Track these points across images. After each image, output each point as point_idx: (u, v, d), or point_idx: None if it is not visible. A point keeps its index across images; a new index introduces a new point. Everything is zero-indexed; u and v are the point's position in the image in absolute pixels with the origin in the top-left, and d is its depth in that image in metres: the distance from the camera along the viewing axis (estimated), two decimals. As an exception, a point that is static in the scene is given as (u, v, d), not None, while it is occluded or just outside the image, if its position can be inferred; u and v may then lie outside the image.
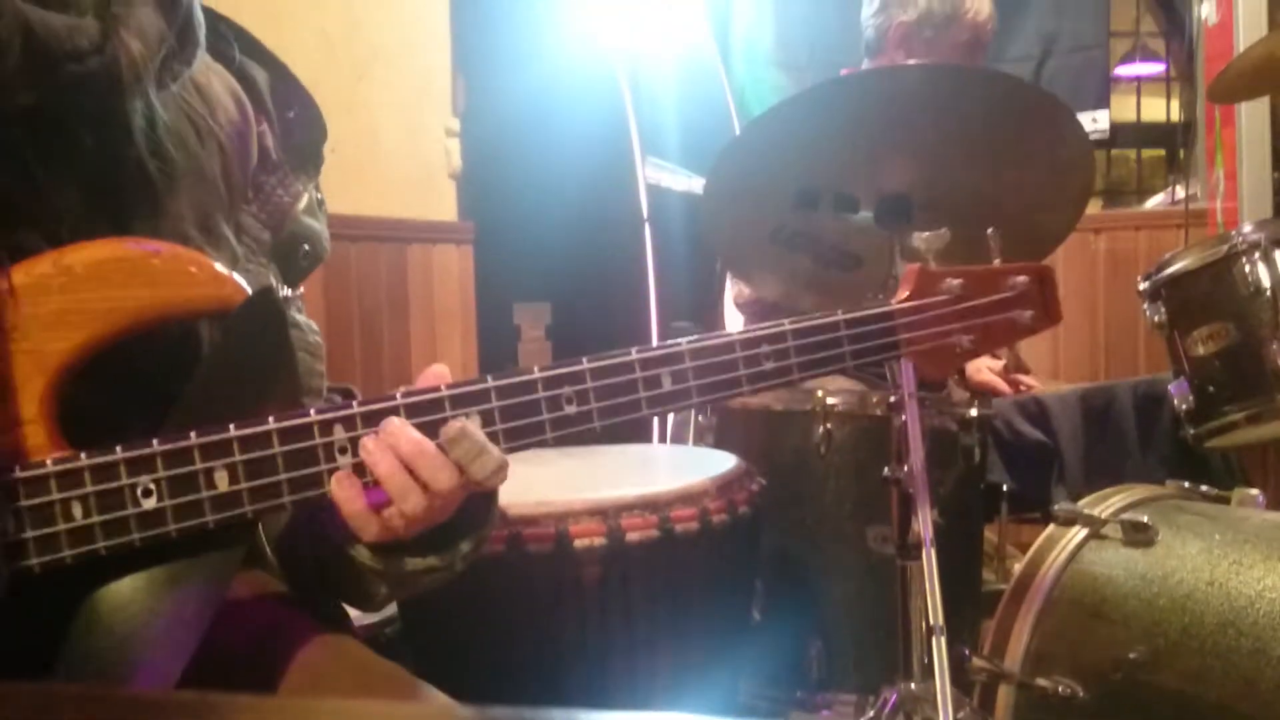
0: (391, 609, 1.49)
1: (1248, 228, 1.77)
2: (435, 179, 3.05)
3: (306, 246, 1.08)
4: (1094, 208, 4.20)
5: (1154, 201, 4.90)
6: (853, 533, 1.77)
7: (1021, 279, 1.22)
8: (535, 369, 0.94)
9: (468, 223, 3.09)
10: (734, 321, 2.74)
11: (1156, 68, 6.89)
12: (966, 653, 1.61)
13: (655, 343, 1.01)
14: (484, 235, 3.08)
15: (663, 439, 3.04)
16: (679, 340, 1.02)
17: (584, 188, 3.01)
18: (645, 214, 3.07)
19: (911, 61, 2.46)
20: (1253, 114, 2.78)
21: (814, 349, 1.08)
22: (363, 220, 2.68)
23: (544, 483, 1.41)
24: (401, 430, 0.86)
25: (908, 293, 1.15)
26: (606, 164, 3.11)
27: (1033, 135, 1.54)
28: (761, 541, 1.75)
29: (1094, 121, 3.66)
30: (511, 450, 0.91)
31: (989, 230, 1.30)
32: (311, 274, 2.29)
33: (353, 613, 1.29)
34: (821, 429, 1.78)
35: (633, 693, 1.32)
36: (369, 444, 0.85)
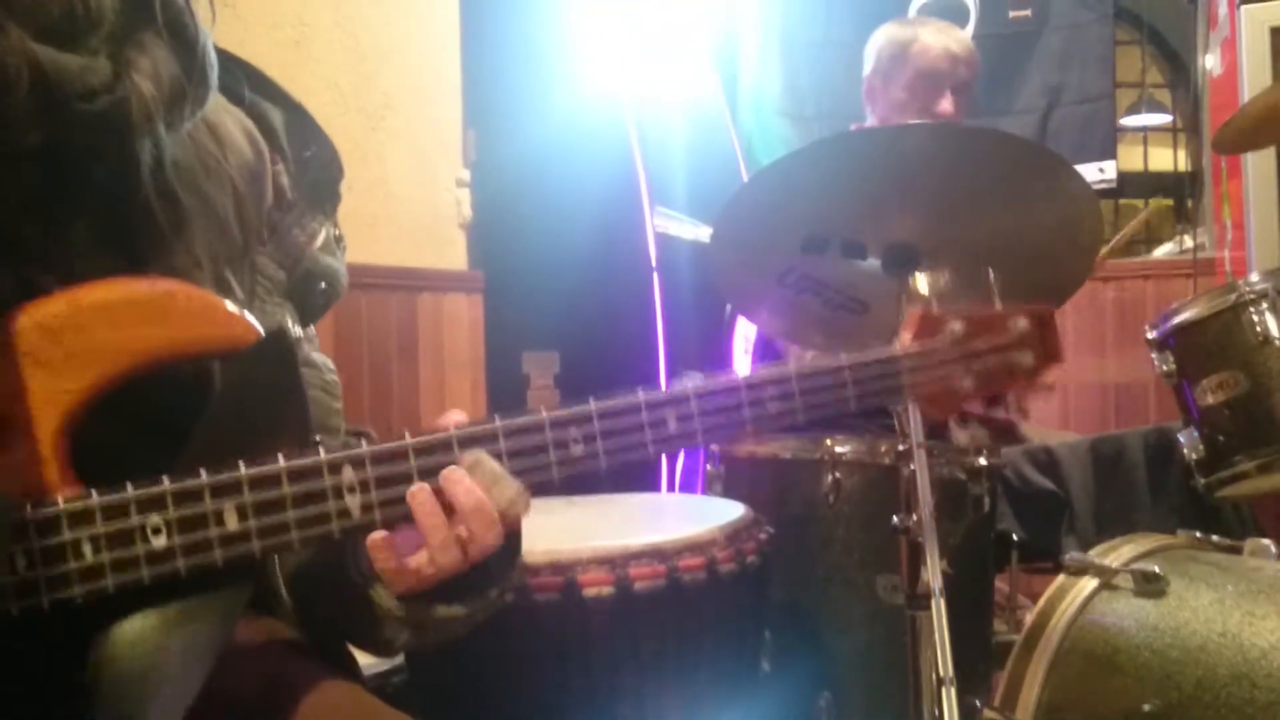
0: (399, 658, 1.48)
1: (1255, 277, 1.78)
2: (446, 228, 3.07)
3: (323, 284, 1.09)
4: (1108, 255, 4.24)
5: (1162, 251, 4.92)
6: (862, 582, 1.76)
7: (1022, 321, 1.22)
8: (543, 410, 0.95)
9: (477, 272, 3.11)
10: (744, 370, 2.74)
11: (1163, 118, 6.95)
12: (978, 704, 1.59)
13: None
14: (493, 284, 3.10)
15: (672, 487, 3.04)
16: (685, 383, 1.02)
17: (593, 237, 3.03)
18: (654, 263, 3.08)
19: (874, 119, 2.50)
20: (1260, 164, 2.79)
21: (818, 392, 1.08)
22: (373, 269, 2.70)
23: (551, 532, 1.41)
24: (462, 479, 0.87)
25: (910, 336, 1.16)
26: (615, 214, 3.14)
27: (1038, 190, 1.55)
28: (770, 591, 1.75)
29: (1100, 171, 3.68)
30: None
31: (989, 272, 1.30)
32: (322, 322, 2.31)
33: (363, 658, 1.28)
34: (830, 477, 1.78)
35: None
36: (421, 496, 0.86)
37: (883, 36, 2.54)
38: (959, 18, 3.82)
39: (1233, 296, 1.77)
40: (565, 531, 1.44)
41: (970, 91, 2.52)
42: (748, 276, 1.73)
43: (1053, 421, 3.66)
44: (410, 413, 2.79)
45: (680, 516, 1.52)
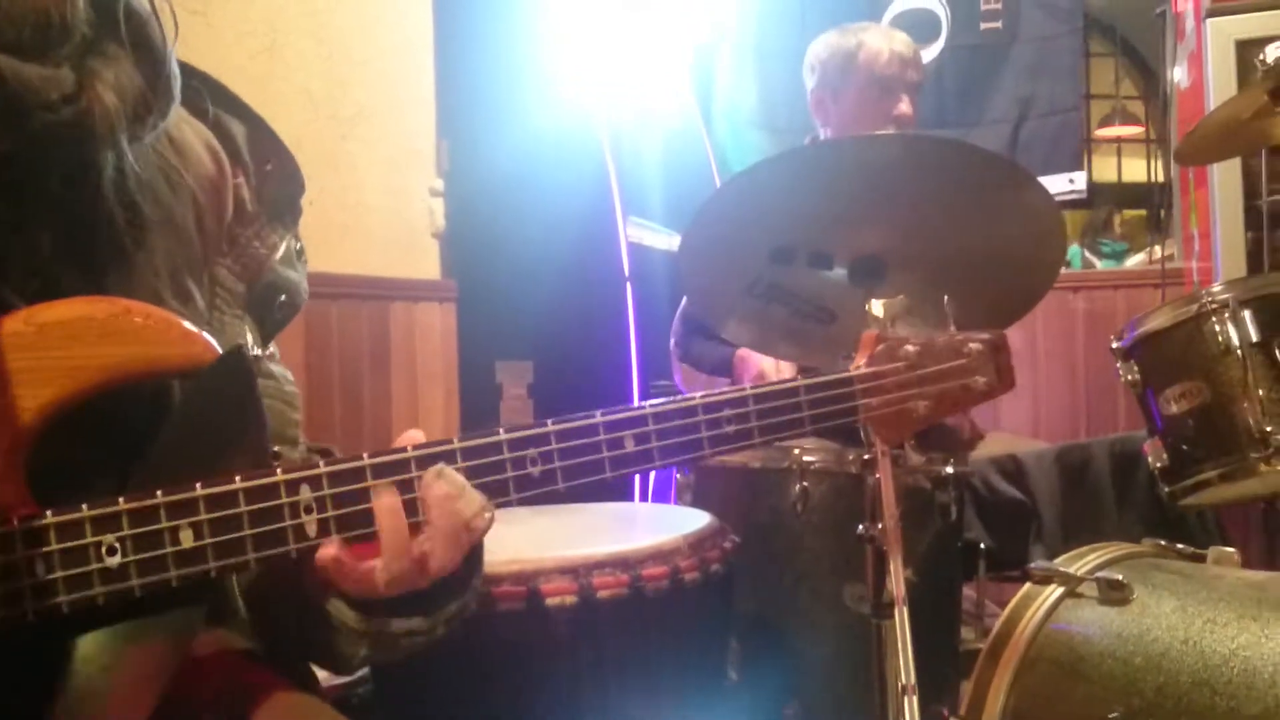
0: (363, 670, 1.48)
1: (1217, 287, 1.80)
2: (419, 238, 3.07)
3: (283, 297, 1.08)
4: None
5: (1134, 260, 4.96)
6: (829, 591, 1.76)
7: (976, 346, 1.24)
8: (500, 431, 0.95)
9: (450, 281, 3.11)
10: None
11: (1137, 130, 7.01)
12: (945, 712, 1.60)
13: (636, 400, 1.02)
14: (467, 293, 3.11)
15: (645, 496, 3.04)
16: (642, 404, 1.03)
17: (566, 247, 3.04)
18: (627, 272, 3.09)
19: (826, 130, 2.51)
20: (1225, 175, 2.82)
21: (774, 413, 1.09)
22: (345, 278, 2.70)
23: (515, 541, 1.41)
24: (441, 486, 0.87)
25: (865, 359, 1.17)
26: (589, 223, 3.15)
27: (1003, 202, 1.57)
28: (738, 599, 1.75)
29: (1070, 182, 3.71)
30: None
31: (944, 298, 1.32)
32: (292, 331, 2.30)
33: (322, 674, 1.28)
34: (798, 487, 1.78)
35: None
36: (384, 502, 0.86)
37: (824, 48, 2.54)
38: (931, 30, 3.85)
39: (1194, 307, 1.79)
40: (529, 541, 1.44)
41: (920, 91, 2.53)
42: (716, 286, 1.74)
43: (1024, 430, 3.69)
44: (382, 422, 2.79)
45: (645, 526, 1.52)
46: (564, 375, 3.03)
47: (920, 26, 3.84)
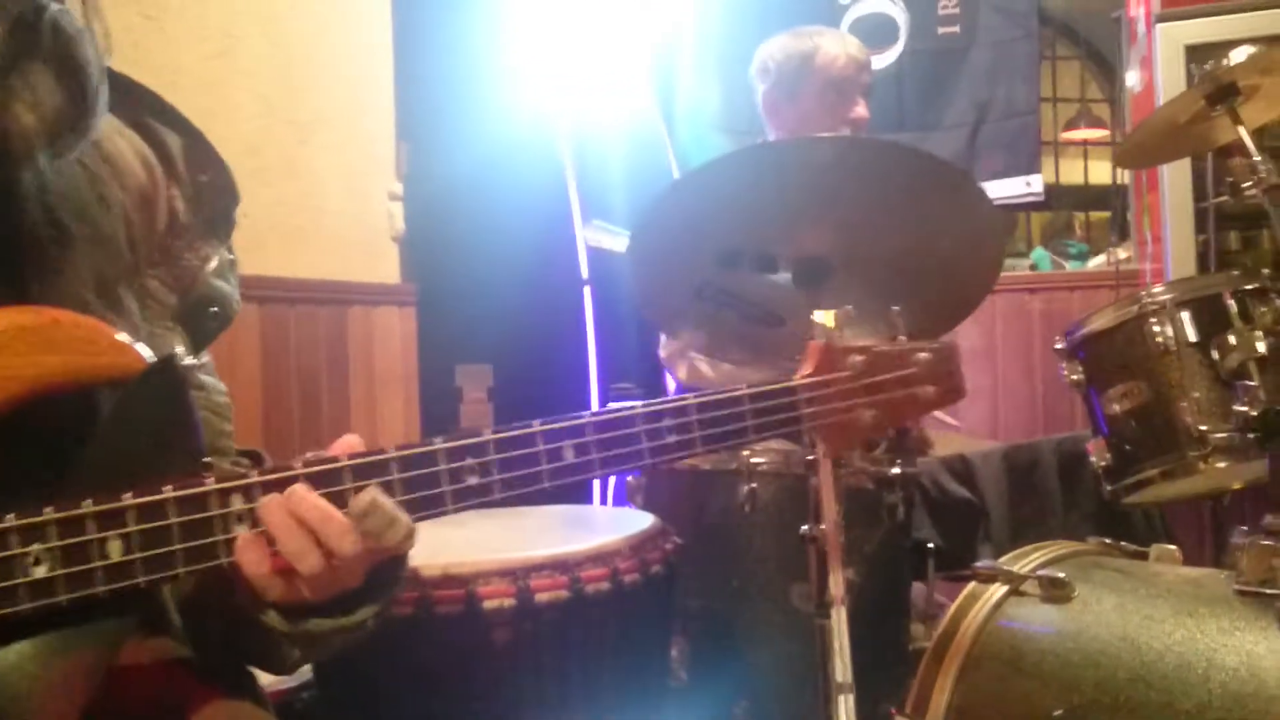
0: (307, 675, 1.49)
1: (1157, 288, 1.83)
2: (378, 242, 3.07)
3: (215, 308, 1.08)
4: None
5: (1095, 262, 5.01)
6: (777, 591, 1.78)
7: (924, 355, 1.24)
8: (438, 440, 0.96)
9: (410, 285, 3.11)
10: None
11: (1102, 133, 7.08)
12: (893, 711, 1.62)
13: (596, 404, 1.03)
14: (426, 297, 3.11)
15: (604, 499, 3.06)
16: (582, 413, 1.04)
17: (526, 250, 3.04)
18: (585, 276, 3.10)
19: (779, 132, 2.52)
20: (1175, 177, 2.86)
21: (717, 422, 1.09)
22: (302, 282, 2.69)
23: (456, 544, 1.42)
24: (305, 497, 0.87)
25: (811, 368, 1.18)
26: (548, 227, 3.16)
27: (944, 205, 1.59)
28: (688, 600, 1.77)
29: (1028, 185, 3.75)
30: (414, 521, 0.93)
31: (893, 309, 1.34)
32: (248, 336, 2.30)
33: (268, 679, 1.28)
34: (746, 488, 1.80)
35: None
36: (267, 503, 0.86)
37: (779, 51, 2.55)
38: (889, 34, 3.88)
39: (1135, 308, 1.82)
40: (469, 543, 1.45)
41: (871, 93, 2.56)
42: (665, 291, 1.75)
43: (982, 430, 3.73)
44: (341, 427, 2.78)
45: (588, 528, 1.53)
46: (524, 379, 3.04)
47: (879, 31, 3.88)
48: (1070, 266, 4.75)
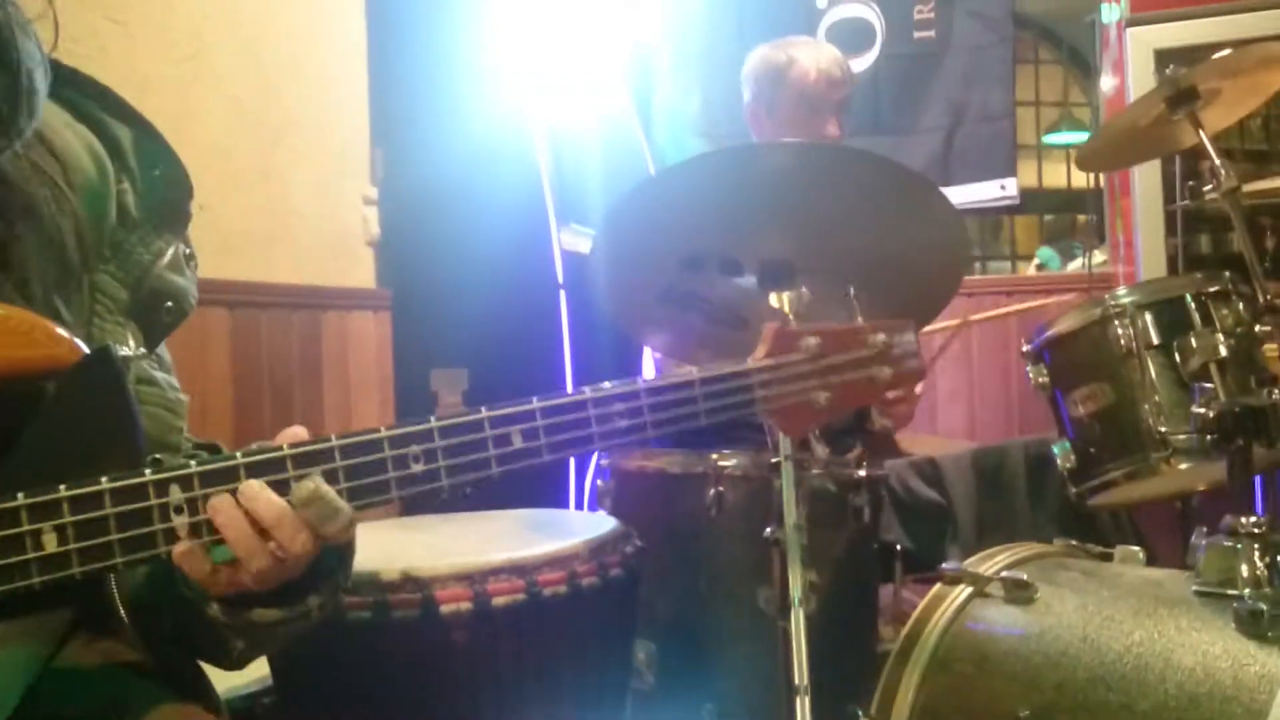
0: (268, 679, 1.48)
1: (1121, 290, 1.84)
2: (353, 246, 3.07)
3: (170, 303, 1.08)
4: (1030, 269, 4.35)
5: (1074, 265, 5.04)
6: (744, 594, 1.78)
7: (880, 336, 1.23)
8: (381, 428, 0.95)
9: (385, 290, 3.10)
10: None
11: (1083, 136, 7.12)
12: (859, 713, 1.62)
13: None
14: (401, 302, 3.10)
15: (580, 503, 3.05)
16: (530, 398, 1.04)
17: (501, 255, 3.04)
18: (561, 280, 3.10)
19: (756, 137, 2.53)
20: (1145, 181, 2.88)
21: (668, 406, 1.09)
22: (274, 287, 2.68)
23: (415, 548, 1.42)
24: (259, 494, 0.87)
25: (764, 351, 1.17)
26: (523, 231, 3.15)
27: (906, 209, 1.60)
28: (654, 604, 1.76)
29: (1002, 189, 3.76)
30: (358, 510, 0.92)
31: (849, 290, 1.33)
32: (217, 340, 2.28)
33: (233, 680, 1.28)
34: (713, 491, 1.80)
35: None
36: (219, 504, 0.86)
37: (759, 62, 2.57)
38: (866, 38, 3.90)
39: (1099, 310, 1.82)
40: (427, 548, 1.44)
41: (849, 106, 2.57)
42: (630, 294, 1.75)
43: (958, 432, 3.74)
44: (314, 432, 2.77)
45: (547, 532, 1.53)
46: (499, 383, 3.03)
47: (855, 35, 3.89)
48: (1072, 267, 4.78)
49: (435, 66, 3.19)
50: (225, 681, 1.18)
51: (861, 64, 3.85)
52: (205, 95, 2.53)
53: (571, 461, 2.89)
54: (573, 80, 3.55)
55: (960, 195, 3.76)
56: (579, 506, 3.06)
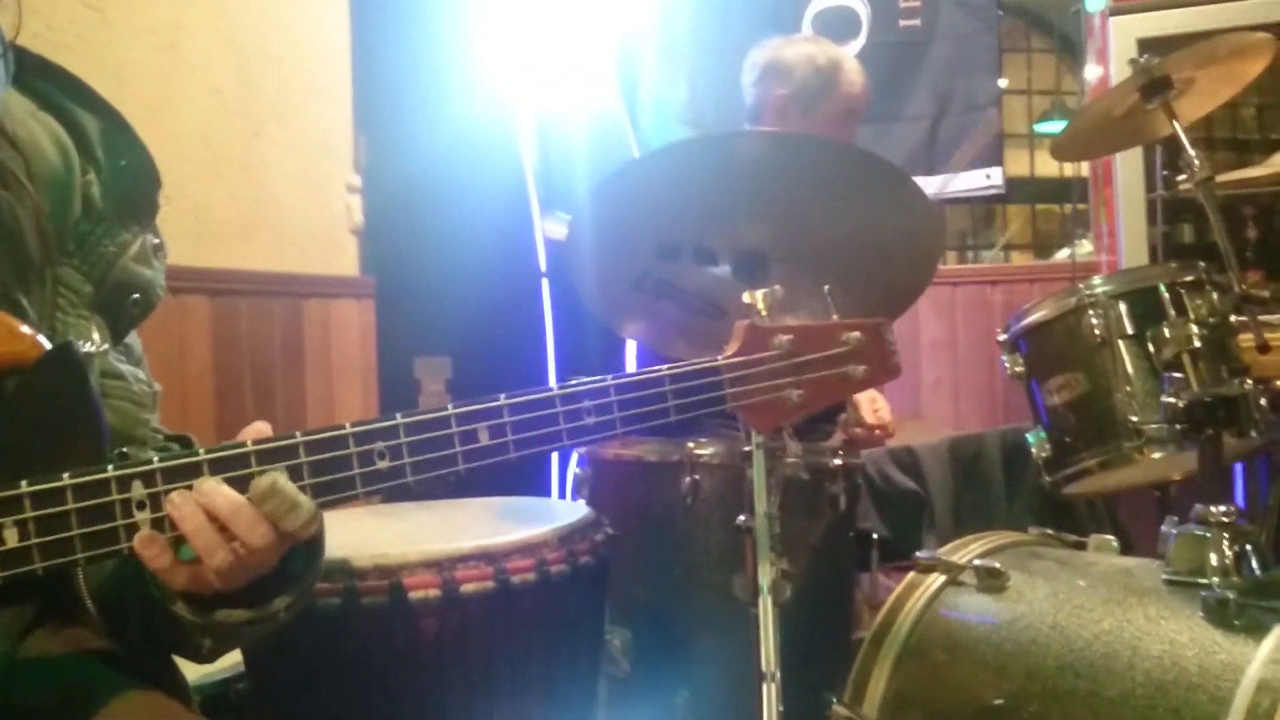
0: (241, 666, 1.48)
1: (1096, 280, 1.84)
2: (336, 234, 3.06)
3: (136, 295, 1.08)
4: (1024, 259, 4.35)
5: (1062, 255, 5.04)
6: (719, 582, 1.78)
7: (855, 334, 1.23)
8: (347, 424, 0.96)
9: (368, 278, 3.10)
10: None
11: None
12: (833, 700, 1.64)
13: None
14: (385, 290, 3.10)
15: (563, 490, 3.06)
16: (498, 395, 1.04)
17: (485, 243, 3.04)
18: (544, 269, 3.10)
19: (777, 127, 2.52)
20: (1128, 170, 2.88)
21: (637, 403, 1.09)
22: (255, 275, 2.68)
23: (384, 536, 1.42)
24: (216, 489, 0.87)
25: (736, 348, 1.18)
26: (507, 220, 3.15)
27: (879, 199, 1.60)
28: (630, 591, 1.77)
29: (988, 178, 3.77)
30: (323, 505, 0.93)
31: (825, 287, 1.34)
32: (198, 329, 2.27)
33: (201, 670, 1.28)
34: (689, 479, 1.81)
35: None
36: (177, 500, 0.86)
37: (805, 60, 2.51)
38: (851, 27, 3.89)
39: (1073, 300, 1.83)
40: (398, 535, 1.45)
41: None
42: (605, 283, 1.75)
43: (945, 420, 3.75)
44: (297, 421, 2.78)
45: (518, 520, 1.54)
46: (482, 371, 3.04)
47: (841, 24, 3.89)
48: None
49: (419, 53, 3.19)
50: (199, 668, 1.19)
51: (848, 52, 3.85)
52: (185, 84, 2.52)
53: (555, 449, 2.89)
54: (559, 69, 3.54)
55: (946, 184, 3.76)
56: (562, 493, 3.07)
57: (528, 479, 3.00)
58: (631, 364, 2.82)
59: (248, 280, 2.65)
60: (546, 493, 3.03)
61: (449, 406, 1.01)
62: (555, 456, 3.01)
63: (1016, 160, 4.11)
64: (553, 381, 1.09)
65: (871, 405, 2.37)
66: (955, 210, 4.25)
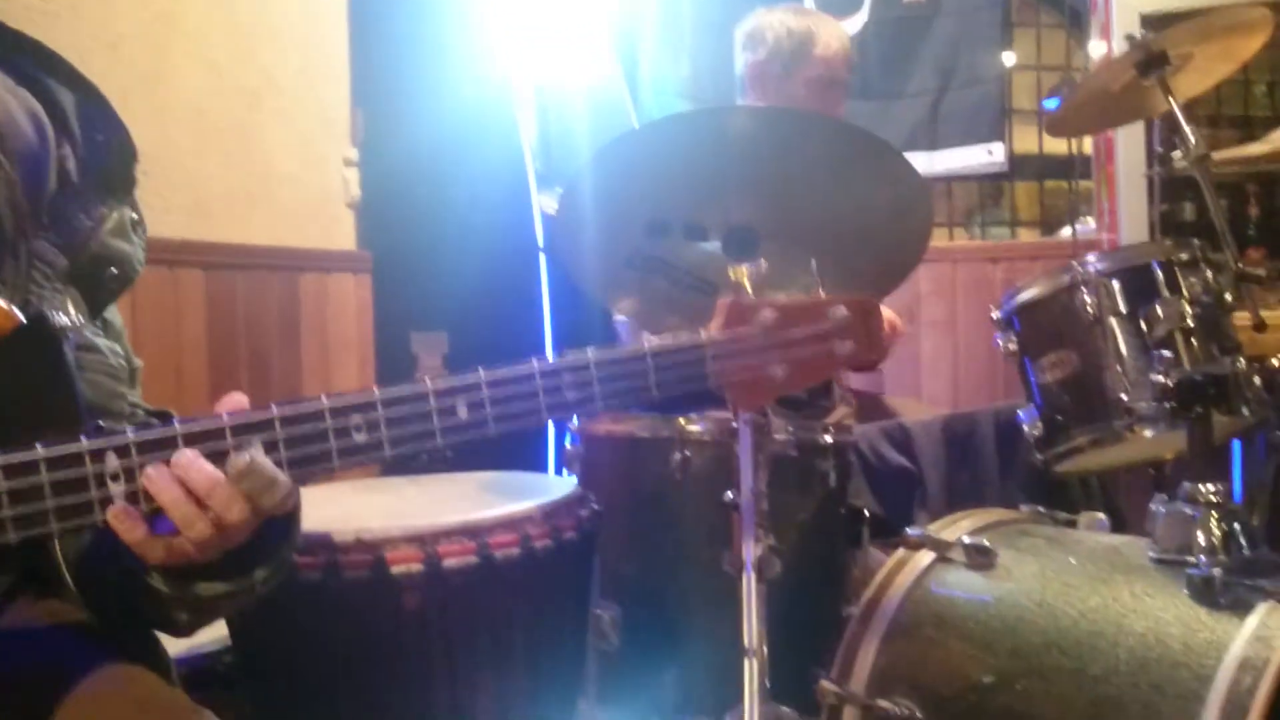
0: (228, 639, 1.49)
1: (1091, 257, 1.83)
2: (333, 208, 3.06)
3: (114, 269, 1.08)
4: (1031, 236, 4.33)
5: (1066, 232, 5.00)
6: (708, 558, 1.78)
7: (841, 311, 1.22)
8: (323, 397, 0.96)
9: (365, 252, 3.10)
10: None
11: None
12: (822, 676, 1.64)
13: None
14: (382, 264, 3.10)
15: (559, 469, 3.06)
16: (477, 369, 1.04)
17: (482, 218, 3.03)
18: (541, 244, 3.09)
19: (760, 104, 2.51)
20: (1128, 147, 2.87)
21: (618, 379, 1.09)
22: (250, 249, 2.68)
23: (369, 511, 1.43)
24: (192, 463, 0.87)
25: (718, 324, 1.17)
26: (505, 195, 3.14)
27: (869, 175, 1.59)
28: (620, 566, 1.78)
29: (989, 154, 3.75)
30: (299, 479, 0.93)
31: (811, 262, 1.33)
32: (192, 302, 2.27)
33: (193, 641, 1.28)
34: (679, 455, 1.81)
35: (456, 718, 1.33)
36: (153, 474, 0.86)
37: (779, 24, 2.53)
38: (853, 2, 3.86)
39: (1067, 278, 1.82)
40: (382, 510, 1.46)
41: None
42: (595, 259, 1.75)
43: (943, 395, 3.75)
44: (292, 394, 2.77)
45: (501, 494, 1.54)
46: (479, 346, 3.03)
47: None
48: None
49: (418, 25, 3.17)
50: (186, 641, 1.19)
51: (850, 27, 3.82)
52: (179, 56, 2.51)
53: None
54: (559, 43, 3.52)
55: (947, 160, 3.74)
56: (558, 469, 3.07)
57: (524, 454, 3.00)
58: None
59: (244, 254, 2.65)
60: (543, 468, 3.03)
61: (426, 381, 1.00)
62: (551, 432, 3.01)
63: (1025, 136, 4.08)
64: (550, 357, 1.08)
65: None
66: (964, 187, 4.23)
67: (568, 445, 1.99)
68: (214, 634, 1.46)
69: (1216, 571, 1.38)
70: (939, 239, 4.20)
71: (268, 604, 1.02)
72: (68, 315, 1.00)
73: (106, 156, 1.07)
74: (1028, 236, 4.31)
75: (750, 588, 1.31)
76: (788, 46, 2.49)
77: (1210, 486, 1.50)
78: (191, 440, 0.89)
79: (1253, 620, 1.31)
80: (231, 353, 2.59)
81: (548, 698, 1.45)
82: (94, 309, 1.06)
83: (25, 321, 0.88)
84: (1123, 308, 1.76)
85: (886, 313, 2.42)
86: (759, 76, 2.54)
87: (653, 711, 1.81)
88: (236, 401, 0.93)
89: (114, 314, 1.14)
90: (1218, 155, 2.05)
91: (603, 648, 1.81)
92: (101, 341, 1.05)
